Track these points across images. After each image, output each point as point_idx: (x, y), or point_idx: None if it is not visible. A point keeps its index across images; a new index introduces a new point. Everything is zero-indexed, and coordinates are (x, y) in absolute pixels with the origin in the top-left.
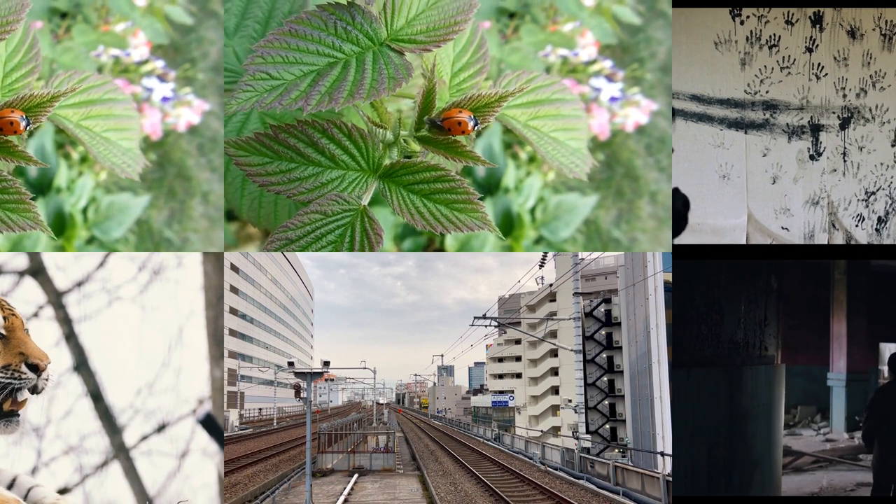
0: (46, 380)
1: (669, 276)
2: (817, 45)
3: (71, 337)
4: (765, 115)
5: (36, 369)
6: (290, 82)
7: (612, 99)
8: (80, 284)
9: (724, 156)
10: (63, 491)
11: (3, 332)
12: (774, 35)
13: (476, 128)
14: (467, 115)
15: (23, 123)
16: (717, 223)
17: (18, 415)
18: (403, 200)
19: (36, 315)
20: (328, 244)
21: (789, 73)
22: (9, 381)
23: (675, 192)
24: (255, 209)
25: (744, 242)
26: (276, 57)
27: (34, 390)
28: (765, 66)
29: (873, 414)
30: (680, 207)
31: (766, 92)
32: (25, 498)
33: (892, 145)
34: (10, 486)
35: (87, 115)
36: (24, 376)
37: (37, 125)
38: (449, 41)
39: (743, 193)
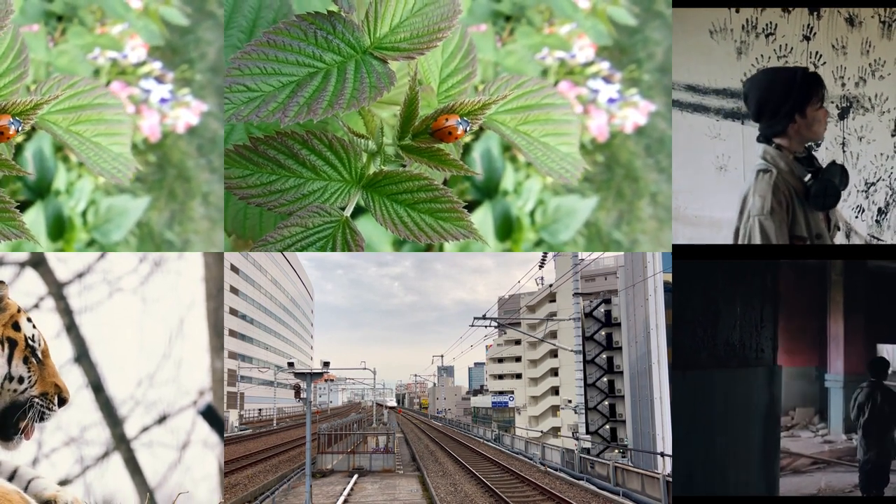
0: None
1: (669, 277)
2: (815, 33)
3: (72, 328)
4: None
5: (63, 403)
6: (267, 94)
7: (610, 100)
8: (80, 276)
9: (720, 147)
10: (64, 482)
11: (41, 356)
12: (771, 23)
13: (468, 129)
14: (455, 121)
15: (12, 128)
16: (715, 215)
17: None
18: (386, 210)
19: (37, 306)
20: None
21: (787, 62)
22: (42, 409)
23: (833, 164)
24: (240, 220)
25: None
26: (253, 68)
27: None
28: (761, 55)
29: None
30: (836, 181)
31: None
32: (26, 489)
33: (892, 135)
34: (10, 478)
35: (76, 120)
36: (54, 408)
37: (27, 128)
38: (433, 48)
39: (740, 184)
